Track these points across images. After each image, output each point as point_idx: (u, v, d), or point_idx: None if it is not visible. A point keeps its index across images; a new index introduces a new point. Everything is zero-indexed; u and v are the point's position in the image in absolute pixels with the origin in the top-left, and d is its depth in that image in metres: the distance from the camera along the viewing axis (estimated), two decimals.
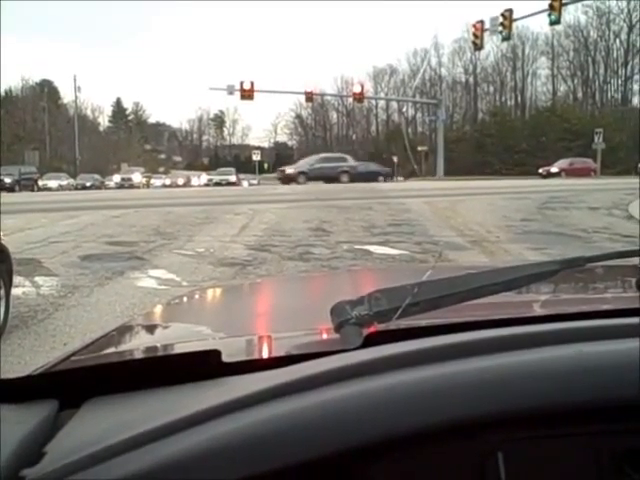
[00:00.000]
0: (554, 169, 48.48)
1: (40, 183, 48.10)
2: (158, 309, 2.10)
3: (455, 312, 0.98)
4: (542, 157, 55.08)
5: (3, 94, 70.57)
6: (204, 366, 0.85)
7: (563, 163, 49.38)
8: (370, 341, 0.85)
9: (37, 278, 8.18)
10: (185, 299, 2.19)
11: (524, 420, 0.70)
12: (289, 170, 43.77)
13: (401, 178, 59.55)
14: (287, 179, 41.70)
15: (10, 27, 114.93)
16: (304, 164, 44.87)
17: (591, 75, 76.00)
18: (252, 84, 47.88)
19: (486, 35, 39.94)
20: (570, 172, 46.40)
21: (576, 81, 77.69)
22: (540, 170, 49.18)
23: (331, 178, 40.09)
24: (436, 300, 0.96)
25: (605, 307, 1.17)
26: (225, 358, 0.87)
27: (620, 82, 74.27)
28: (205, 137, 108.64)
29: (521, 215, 15.37)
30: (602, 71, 74.97)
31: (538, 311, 1.29)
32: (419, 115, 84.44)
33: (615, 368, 0.72)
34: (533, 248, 10.23)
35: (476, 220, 14.52)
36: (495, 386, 0.70)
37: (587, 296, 1.58)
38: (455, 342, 0.78)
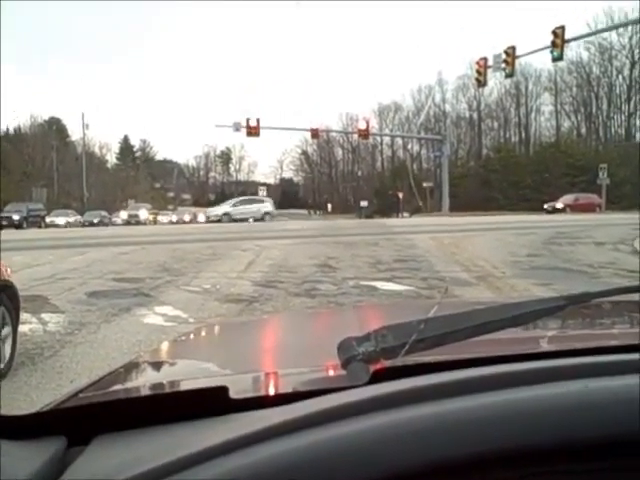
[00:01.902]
0: (559, 204, 48.52)
1: (47, 220, 48.32)
2: (165, 346, 2.10)
3: (462, 348, 0.99)
4: (547, 193, 55.15)
5: (12, 132, 71.46)
6: (212, 403, 0.85)
7: (568, 199, 49.43)
8: (377, 377, 0.85)
9: (44, 315, 8.18)
10: (192, 336, 2.19)
11: (528, 457, 0.70)
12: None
13: (406, 214, 59.69)
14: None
15: (19, 65, 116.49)
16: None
17: (594, 111, 76.32)
18: (258, 121, 48.28)
19: (489, 72, 40.23)
20: (575, 207, 46.46)
21: (580, 117, 78.05)
22: (545, 206, 49.25)
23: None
24: (443, 336, 0.96)
25: (611, 343, 1.17)
26: (233, 395, 0.87)
27: (623, 118, 74.53)
28: (212, 174, 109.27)
29: (527, 250, 15.36)
30: (605, 107, 75.29)
31: (544, 347, 1.29)
32: (424, 151, 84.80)
33: (620, 404, 0.72)
34: (539, 284, 10.20)
35: (482, 256, 14.50)
36: (502, 422, 0.70)
37: (593, 332, 1.57)
38: (462, 378, 0.79)
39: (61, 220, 49.40)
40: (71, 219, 51.08)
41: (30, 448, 0.80)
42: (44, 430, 0.84)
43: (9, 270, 6.02)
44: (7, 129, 71.72)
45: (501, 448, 0.68)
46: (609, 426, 0.70)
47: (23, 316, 6.40)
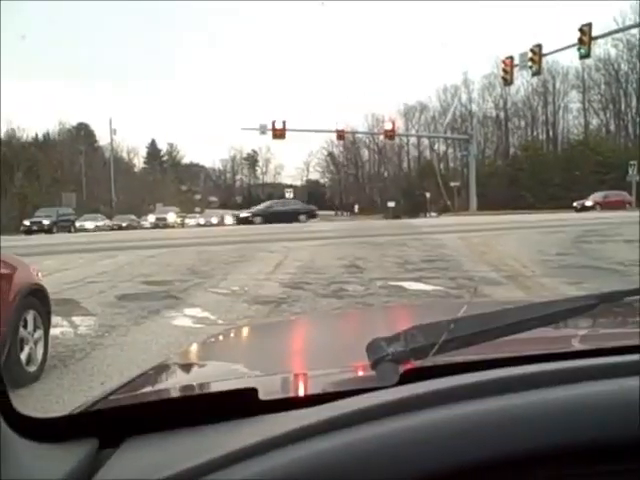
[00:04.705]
0: (588, 202, 47.99)
1: (77, 224, 48.85)
2: (194, 348, 2.11)
3: (492, 348, 0.98)
4: (576, 190, 54.53)
5: (42, 138, 72.32)
6: (241, 404, 0.85)
7: (597, 196, 48.87)
8: (407, 378, 0.85)
9: (75, 318, 8.26)
10: (221, 337, 2.20)
11: (564, 457, 0.69)
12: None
13: (434, 214, 59.46)
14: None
15: (47, 72, 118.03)
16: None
17: (623, 108, 75.44)
18: (284, 123, 48.47)
19: (516, 70, 40.03)
20: (605, 205, 45.91)
21: (608, 114, 77.20)
22: (574, 204, 48.72)
23: None
24: (473, 336, 0.95)
25: None
26: (262, 396, 0.87)
27: None
28: (238, 176, 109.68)
29: (556, 249, 15.20)
30: (634, 103, 74.32)
31: (576, 346, 1.27)
32: (450, 151, 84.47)
33: None
34: (569, 282, 10.09)
35: (511, 254, 14.39)
36: (535, 422, 0.69)
37: (625, 330, 1.55)
38: (493, 378, 0.78)
39: (90, 224, 49.89)
40: (100, 223, 51.57)
41: (62, 450, 0.81)
42: (76, 432, 0.84)
43: (40, 274, 6.10)
44: (36, 135, 72.65)
45: (535, 448, 0.68)
46: None
47: (54, 319, 6.47)
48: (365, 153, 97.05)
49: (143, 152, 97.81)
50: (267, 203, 51.44)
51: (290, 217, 42.80)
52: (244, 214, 47.66)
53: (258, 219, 44.14)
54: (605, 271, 11.48)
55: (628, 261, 12.36)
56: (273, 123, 48.60)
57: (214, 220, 56.98)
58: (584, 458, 0.70)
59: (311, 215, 46.97)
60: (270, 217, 42.77)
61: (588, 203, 47.86)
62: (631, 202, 47.77)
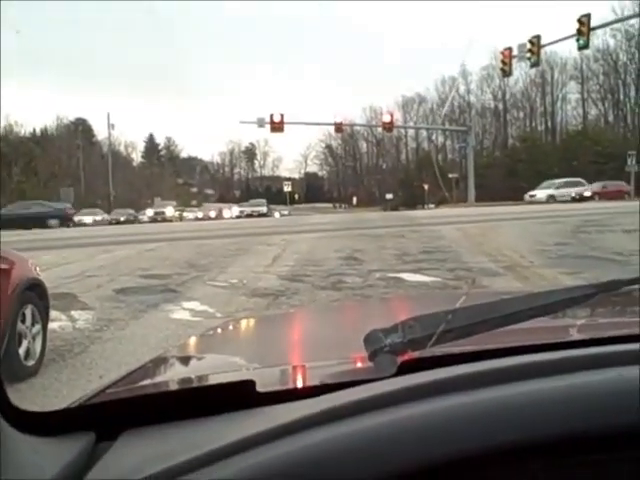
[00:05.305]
0: (587, 192, 48.02)
1: (75, 219, 48.82)
2: (192, 341, 2.11)
3: (490, 338, 0.97)
4: None
5: (39, 133, 72.25)
6: (239, 396, 0.85)
7: (596, 186, 48.89)
8: (404, 369, 0.84)
9: (73, 312, 8.26)
10: (219, 330, 2.20)
11: (563, 446, 0.69)
12: None
13: (432, 205, 59.51)
14: None
15: (44, 67, 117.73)
16: None
17: (622, 98, 75.44)
18: (282, 116, 48.30)
19: (514, 61, 39.95)
20: (603, 195, 45.98)
21: (607, 104, 77.19)
22: (573, 194, 48.75)
23: None
24: (471, 327, 0.95)
25: None
26: (260, 388, 0.87)
27: None
28: (236, 170, 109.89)
29: (555, 239, 15.21)
30: (633, 93, 74.32)
31: (575, 336, 1.27)
32: (449, 142, 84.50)
33: None
34: (568, 272, 10.10)
35: (509, 245, 14.40)
36: (534, 412, 0.69)
37: (625, 320, 1.55)
38: (491, 369, 0.78)
39: (89, 219, 49.89)
40: (98, 217, 51.56)
41: (59, 444, 0.81)
42: (73, 426, 0.84)
43: (38, 269, 6.09)
44: (34, 131, 72.58)
45: (533, 437, 0.67)
46: None
47: (53, 314, 6.47)
48: (363, 145, 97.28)
49: (141, 146, 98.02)
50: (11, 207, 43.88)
51: (35, 222, 37.47)
52: None
53: None
54: (604, 261, 11.49)
55: (627, 251, 12.37)
56: (271, 116, 48.46)
57: (212, 214, 57.03)
58: (583, 447, 0.69)
59: (65, 219, 41.99)
60: (7, 224, 33.82)
61: (587, 193, 47.87)
62: (630, 192, 47.80)
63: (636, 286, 1.26)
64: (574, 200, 44.81)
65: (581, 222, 19.33)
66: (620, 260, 11.44)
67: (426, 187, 64.20)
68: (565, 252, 12.95)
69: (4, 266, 5.22)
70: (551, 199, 46.71)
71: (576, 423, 0.68)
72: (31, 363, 5.46)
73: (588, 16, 32.87)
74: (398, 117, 75.63)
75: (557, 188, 48.94)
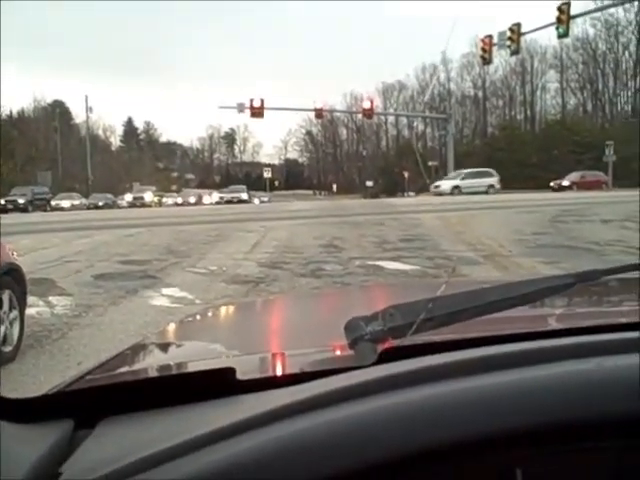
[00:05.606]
0: (565, 182, 48.37)
1: (53, 203, 48.40)
2: (172, 327, 2.10)
3: (470, 327, 0.98)
4: (553, 170, 54.85)
5: (16, 115, 71.40)
6: (219, 384, 0.85)
7: (574, 176, 49.25)
8: (385, 357, 0.84)
9: (51, 298, 8.21)
10: (198, 317, 2.19)
11: (543, 435, 0.69)
12: None
13: (412, 193, 59.61)
14: None
15: (21, 49, 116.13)
16: None
17: (601, 87, 75.96)
18: (262, 102, 48.14)
19: (495, 49, 40.04)
20: (581, 185, 46.34)
21: (585, 94, 77.69)
22: (551, 183, 49.09)
23: None
24: (451, 315, 0.95)
25: (621, 320, 1.16)
26: (240, 376, 0.86)
27: (630, 94, 74.20)
28: (216, 155, 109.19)
29: (533, 229, 15.32)
30: (612, 83, 74.96)
31: (554, 325, 1.28)
32: (429, 130, 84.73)
33: (637, 382, 0.71)
34: (546, 262, 10.18)
35: (488, 234, 14.48)
36: (513, 402, 0.69)
37: (603, 309, 1.56)
38: (471, 357, 0.78)
39: (66, 203, 49.43)
40: (76, 202, 51.08)
41: (37, 431, 0.80)
42: (51, 413, 0.83)
43: (15, 254, 6.04)
44: (10, 113, 71.71)
45: (513, 427, 0.68)
46: (625, 404, 0.69)
47: (30, 299, 6.42)
48: (343, 132, 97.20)
49: (120, 130, 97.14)
50: None
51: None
52: None
53: None
54: (581, 250, 11.59)
55: (604, 241, 12.50)
56: (251, 101, 48.27)
57: (192, 200, 56.72)
58: (565, 436, 0.70)
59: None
60: None
61: (565, 183, 48.24)
62: (607, 182, 48.19)
63: (613, 276, 1.28)
64: (485, 193, 41.55)
65: (559, 212, 19.48)
66: (597, 250, 11.56)
67: (406, 175, 64.33)
68: (543, 242, 13.05)
69: None
70: (456, 190, 43.47)
71: (556, 412, 0.69)
72: (8, 349, 5.43)
73: (568, 4, 33.01)
74: (378, 104, 75.67)
75: (463, 179, 45.78)
